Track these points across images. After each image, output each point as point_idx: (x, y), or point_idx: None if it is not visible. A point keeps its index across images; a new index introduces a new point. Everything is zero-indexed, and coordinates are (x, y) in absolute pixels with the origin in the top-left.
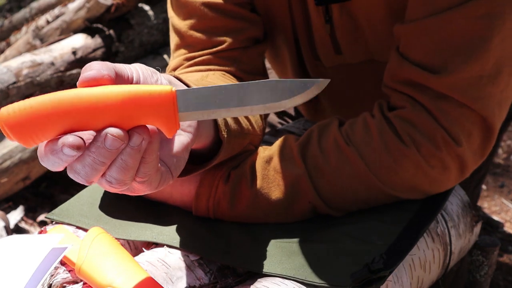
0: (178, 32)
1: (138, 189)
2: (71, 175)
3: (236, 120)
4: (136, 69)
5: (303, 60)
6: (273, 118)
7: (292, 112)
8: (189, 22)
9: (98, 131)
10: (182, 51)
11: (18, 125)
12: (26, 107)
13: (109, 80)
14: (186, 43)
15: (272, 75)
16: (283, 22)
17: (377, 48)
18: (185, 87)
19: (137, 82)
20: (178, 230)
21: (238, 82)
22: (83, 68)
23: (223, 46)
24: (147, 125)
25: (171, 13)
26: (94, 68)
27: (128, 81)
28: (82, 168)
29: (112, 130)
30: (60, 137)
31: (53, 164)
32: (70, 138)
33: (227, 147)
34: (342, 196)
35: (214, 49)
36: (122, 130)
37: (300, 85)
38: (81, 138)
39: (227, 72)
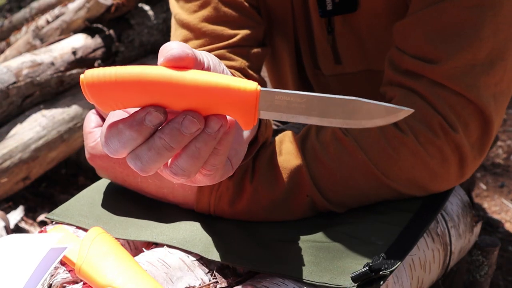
0: (187, 26)
1: (200, 181)
2: (130, 160)
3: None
4: (206, 57)
5: (302, 68)
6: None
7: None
8: (201, 14)
9: (174, 116)
10: (192, 44)
11: (99, 89)
12: (112, 74)
13: (192, 60)
14: (197, 36)
15: (268, 82)
16: (285, 30)
17: (376, 58)
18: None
19: (208, 67)
20: (178, 230)
21: (322, 94)
22: (162, 49)
23: (235, 39)
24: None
25: (176, 9)
26: (176, 47)
27: (201, 65)
28: (147, 152)
29: (191, 113)
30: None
31: (123, 140)
32: (153, 108)
33: (260, 140)
34: (341, 189)
35: (226, 43)
36: (200, 115)
37: (384, 110)
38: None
39: (237, 70)
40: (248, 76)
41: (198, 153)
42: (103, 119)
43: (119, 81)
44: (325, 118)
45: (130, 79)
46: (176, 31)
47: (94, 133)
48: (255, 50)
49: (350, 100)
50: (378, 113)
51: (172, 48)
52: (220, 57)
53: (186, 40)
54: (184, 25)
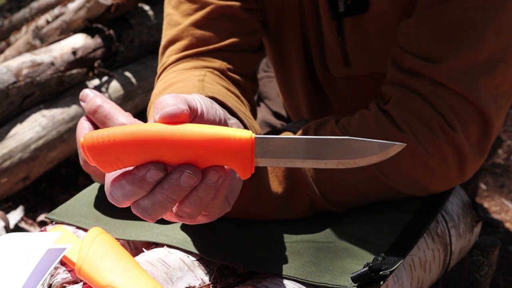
0: (177, 27)
1: (200, 220)
2: (136, 210)
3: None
4: (199, 101)
5: (312, 69)
6: (274, 120)
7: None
8: (193, 18)
9: (172, 170)
10: (178, 45)
11: (100, 153)
12: (110, 139)
13: (187, 115)
14: (185, 38)
15: (274, 83)
16: (293, 32)
17: (384, 60)
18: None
19: (202, 113)
20: (178, 230)
21: (315, 136)
22: (157, 103)
23: (221, 45)
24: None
25: (170, 10)
26: (172, 103)
27: (195, 111)
28: (152, 206)
29: (188, 168)
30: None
31: (126, 195)
32: (153, 166)
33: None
34: (340, 188)
35: (212, 47)
36: (197, 168)
37: (377, 146)
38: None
39: (216, 70)
40: (228, 78)
41: (200, 200)
42: (95, 126)
43: (118, 141)
44: (320, 160)
45: (128, 138)
46: (166, 31)
47: None
48: (243, 55)
49: (343, 139)
50: (371, 150)
51: (167, 104)
52: (201, 59)
53: (174, 40)
54: (175, 25)
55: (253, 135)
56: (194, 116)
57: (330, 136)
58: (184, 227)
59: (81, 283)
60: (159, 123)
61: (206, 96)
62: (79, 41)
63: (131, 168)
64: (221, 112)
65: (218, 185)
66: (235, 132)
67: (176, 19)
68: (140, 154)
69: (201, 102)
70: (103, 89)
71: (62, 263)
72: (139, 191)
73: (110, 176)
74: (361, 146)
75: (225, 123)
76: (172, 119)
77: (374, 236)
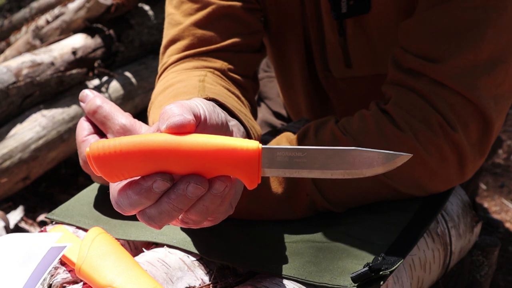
0: (178, 27)
1: (205, 225)
2: (143, 220)
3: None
4: (202, 107)
5: (313, 69)
6: (274, 120)
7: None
8: (195, 17)
9: (178, 180)
10: (179, 45)
11: (106, 164)
12: (116, 150)
13: (193, 125)
14: (186, 37)
15: (274, 83)
16: (295, 32)
17: (385, 62)
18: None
19: (205, 118)
20: (178, 230)
21: (321, 147)
22: (163, 113)
23: (222, 45)
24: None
25: (171, 9)
26: (178, 113)
27: (199, 118)
28: (158, 215)
29: (194, 179)
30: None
31: (133, 204)
32: (159, 176)
33: None
34: (340, 188)
35: (213, 47)
36: (204, 178)
37: (383, 157)
38: (169, 174)
39: (217, 70)
40: (229, 78)
41: (206, 209)
42: (95, 126)
43: (124, 151)
44: (327, 171)
45: (134, 149)
46: (167, 30)
47: (87, 141)
48: (244, 55)
49: (349, 150)
50: (377, 161)
51: (173, 114)
52: (202, 59)
53: (175, 40)
54: (176, 25)
55: (260, 146)
56: (198, 123)
57: (336, 147)
58: (184, 227)
59: (81, 283)
60: (165, 133)
61: (207, 98)
62: (79, 41)
63: (137, 178)
64: (222, 115)
65: (224, 194)
66: (242, 142)
67: (177, 18)
68: (147, 165)
69: (204, 108)
70: (103, 89)
71: (62, 263)
72: (146, 201)
73: (115, 185)
74: (368, 157)
75: (226, 126)
76: (179, 129)
77: (374, 236)
